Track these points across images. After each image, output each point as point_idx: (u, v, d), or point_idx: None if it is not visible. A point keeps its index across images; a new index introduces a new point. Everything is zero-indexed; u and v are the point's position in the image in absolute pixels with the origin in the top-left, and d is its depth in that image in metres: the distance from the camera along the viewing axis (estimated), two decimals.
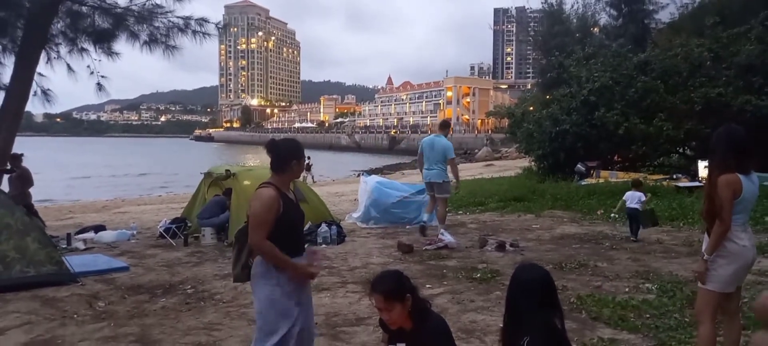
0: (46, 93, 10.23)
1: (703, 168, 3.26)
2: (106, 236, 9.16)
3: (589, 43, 21.51)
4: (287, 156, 3.16)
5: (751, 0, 17.74)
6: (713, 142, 3.27)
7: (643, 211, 8.46)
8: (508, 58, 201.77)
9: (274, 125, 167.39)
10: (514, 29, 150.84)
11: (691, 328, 4.27)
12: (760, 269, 6.09)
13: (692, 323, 4.27)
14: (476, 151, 55.98)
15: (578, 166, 15.56)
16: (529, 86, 73.45)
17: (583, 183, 14.28)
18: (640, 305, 4.99)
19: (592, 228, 9.40)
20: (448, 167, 8.52)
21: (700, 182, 11.65)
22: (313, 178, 27.38)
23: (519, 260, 6.58)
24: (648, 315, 4.75)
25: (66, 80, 10.31)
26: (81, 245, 8.52)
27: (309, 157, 34.33)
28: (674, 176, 14.09)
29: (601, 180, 14.45)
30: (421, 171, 8.90)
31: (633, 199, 8.47)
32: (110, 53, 10.10)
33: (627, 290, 5.62)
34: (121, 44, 10.08)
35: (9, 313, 5.18)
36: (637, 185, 8.91)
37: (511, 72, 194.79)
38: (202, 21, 10.15)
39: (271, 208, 3.02)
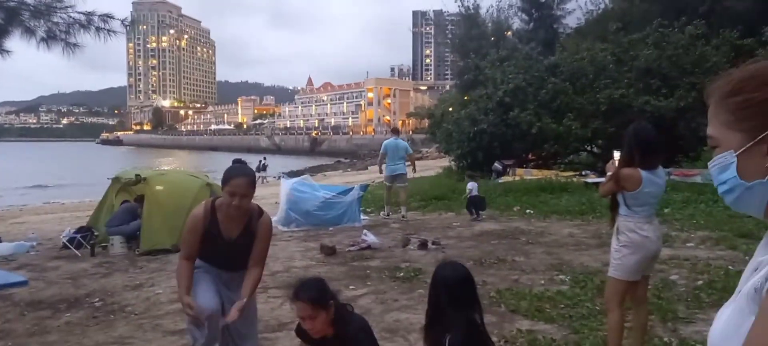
0: None
1: (616, 157, 3.50)
2: (2, 248, 8.39)
3: (503, 46, 22.34)
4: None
5: (648, 9, 19.13)
6: (623, 139, 3.46)
7: (483, 197, 10.85)
8: (427, 60, 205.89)
9: (189, 127, 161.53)
10: (432, 32, 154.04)
11: (602, 316, 4.49)
12: (661, 258, 6.51)
13: (603, 311, 4.49)
14: None
15: (495, 164, 16.10)
16: (448, 87, 75.37)
17: (500, 181, 14.78)
18: (555, 297, 5.21)
19: (509, 224, 9.73)
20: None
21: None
22: (265, 179, 26.63)
23: (441, 258, 6.68)
24: (562, 306, 4.96)
25: None
26: None
27: (264, 158, 33.53)
28: (583, 173, 14.91)
29: (517, 178, 15.04)
30: (381, 168, 11.30)
31: (474, 188, 10.83)
32: (2, 51, 9.27)
33: (542, 282, 5.84)
34: (14, 41, 9.28)
35: None
36: (472, 178, 12.23)
37: (431, 73, 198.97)
38: (106, 17, 9.55)
39: (191, 229, 3.15)
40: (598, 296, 5.09)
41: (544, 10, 27.10)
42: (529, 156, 17.70)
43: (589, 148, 17.32)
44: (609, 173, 3.53)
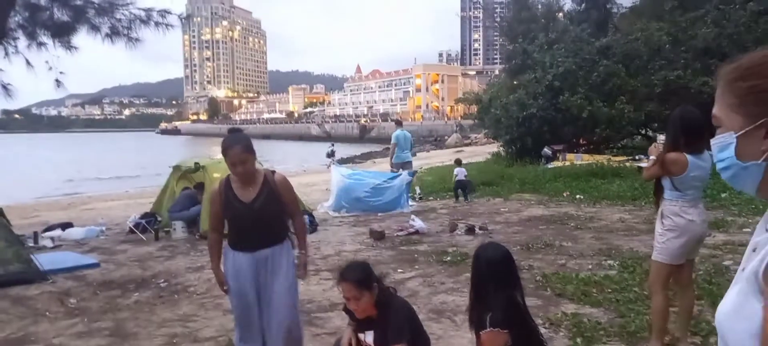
0: (5, 87, 9.95)
1: (660, 142, 3.45)
2: (75, 232, 9.03)
3: (553, 28, 21.88)
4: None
5: None
6: (668, 124, 3.47)
7: (469, 180, 11.39)
8: (476, 45, 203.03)
9: (243, 116, 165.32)
10: (480, 16, 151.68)
11: (649, 300, 4.47)
12: (715, 244, 6.39)
13: (650, 296, 4.50)
14: (446, 137, 56.40)
15: (544, 150, 15.92)
16: (496, 72, 74.29)
17: (549, 166, 14.64)
18: (602, 281, 5.22)
19: (558, 209, 9.67)
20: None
21: None
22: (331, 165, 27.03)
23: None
24: (609, 290, 4.98)
25: (25, 75, 10.05)
26: (49, 243, 8.39)
27: (332, 145, 33.90)
28: (636, 157, 14.55)
29: (567, 163, 14.84)
30: (391, 158, 11.82)
31: (460, 173, 11.43)
32: (69, 47, 9.86)
33: (590, 267, 5.85)
34: (81, 37, 9.86)
35: None
36: (458, 163, 12.29)
37: (479, 58, 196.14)
38: (164, 12, 10.00)
39: (211, 201, 3.34)
40: (646, 281, 5.06)
41: None
42: (580, 141, 17.39)
43: (643, 131, 16.85)
44: (652, 157, 3.55)
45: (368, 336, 2.96)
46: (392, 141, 11.89)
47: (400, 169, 11.29)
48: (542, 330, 3.98)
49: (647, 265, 5.56)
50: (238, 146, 3.14)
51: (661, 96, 14.35)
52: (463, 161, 13.31)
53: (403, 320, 2.89)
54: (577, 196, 10.77)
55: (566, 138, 16.77)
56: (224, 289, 3.33)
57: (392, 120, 16.11)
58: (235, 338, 3.43)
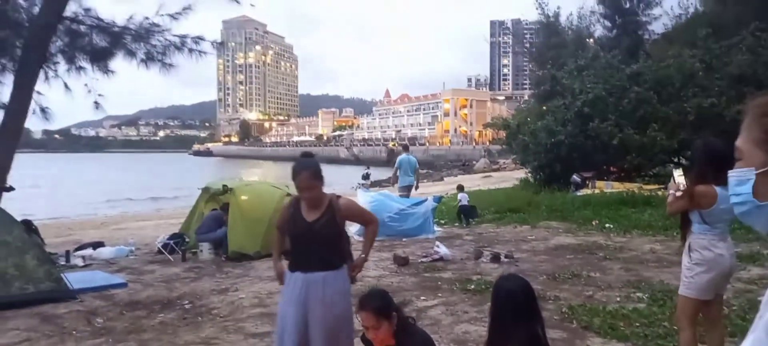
0: (44, 111, 10.31)
1: (677, 176, 3.35)
2: (105, 252, 9.21)
3: (583, 54, 21.68)
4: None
5: (742, 11, 17.96)
6: (692, 155, 3.40)
7: (471, 206, 11.84)
8: (505, 70, 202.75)
9: (273, 139, 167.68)
10: (510, 41, 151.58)
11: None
12: (750, 278, 6.17)
13: (679, 332, 4.35)
14: (474, 162, 56.18)
15: (574, 177, 15.67)
16: (526, 97, 73.85)
17: (578, 194, 14.38)
18: (631, 314, 5.08)
19: (586, 238, 9.48)
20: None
21: None
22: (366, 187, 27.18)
23: (513, 271, 6.66)
24: (638, 324, 4.83)
25: (64, 97, 10.40)
26: (80, 262, 8.57)
27: (368, 168, 34.72)
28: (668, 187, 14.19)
29: (597, 191, 14.57)
30: (394, 181, 12.79)
31: (463, 199, 11.84)
32: (107, 71, 10.20)
33: (618, 299, 5.70)
34: (118, 62, 10.19)
35: (9, 330, 5.25)
36: (461, 189, 12.99)
37: (508, 83, 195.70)
38: (198, 39, 10.27)
39: (280, 213, 3.59)
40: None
41: (629, 16, 25.99)
42: (611, 168, 17.07)
43: (675, 160, 16.47)
44: (671, 192, 3.47)
45: None
46: (395, 165, 12.74)
47: (405, 193, 12.10)
48: None
49: (678, 298, 5.41)
50: (306, 173, 3.27)
51: (694, 124, 14.06)
52: (492, 187, 13.20)
53: None
54: (607, 225, 10.55)
55: (596, 165, 16.48)
56: (281, 282, 3.51)
57: (400, 145, 17.68)
58: None
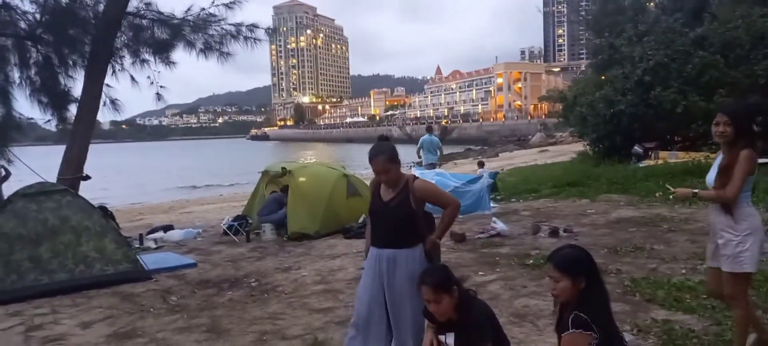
0: (114, 102, 10.90)
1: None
2: (175, 234, 9.72)
3: (642, 20, 20.76)
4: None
5: None
6: (737, 117, 3.29)
7: (492, 181, 11.67)
8: (560, 40, 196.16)
9: (327, 121, 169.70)
10: (564, 10, 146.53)
11: None
12: None
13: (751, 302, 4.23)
14: (530, 137, 55.15)
15: (635, 148, 15.17)
16: (583, 68, 71.42)
17: (640, 165, 13.93)
18: (697, 286, 4.95)
19: (649, 211, 9.22)
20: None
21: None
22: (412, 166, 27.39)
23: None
24: (704, 296, 4.70)
25: (129, 89, 10.94)
26: (152, 244, 9.08)
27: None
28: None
29: (660, 161, 14.05)
30: (419, 159, 13.82)
31: (484, 174, 11.72)
32: (169, 63, 10.65)
33: (683, 271, 5.56)
34: (178, 53, 10.61)
35: (93, 308, 5.66)
36: (481, 165, 14.24)
37: (564, 54, 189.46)
38: (252, 27, 10.57)
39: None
40: None
41: None
42: (675, 138, 16.38)
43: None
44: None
45: (449, 338, 2.99)
46: (418, 145, 13.97)
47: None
48: (630, 337, 3.85)
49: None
50: (381, 157, 3.38)
51: (765, 87, 13.27)
52: (548, 161, 12.97)
53: (484, 322, 2.90)
54: (671, 196, 10.18)
55: (659, 135, 15.84)
56: (365, 256, 3.66)
57: (428, 125, 19.19)
58: (347, 338, 3.58)
